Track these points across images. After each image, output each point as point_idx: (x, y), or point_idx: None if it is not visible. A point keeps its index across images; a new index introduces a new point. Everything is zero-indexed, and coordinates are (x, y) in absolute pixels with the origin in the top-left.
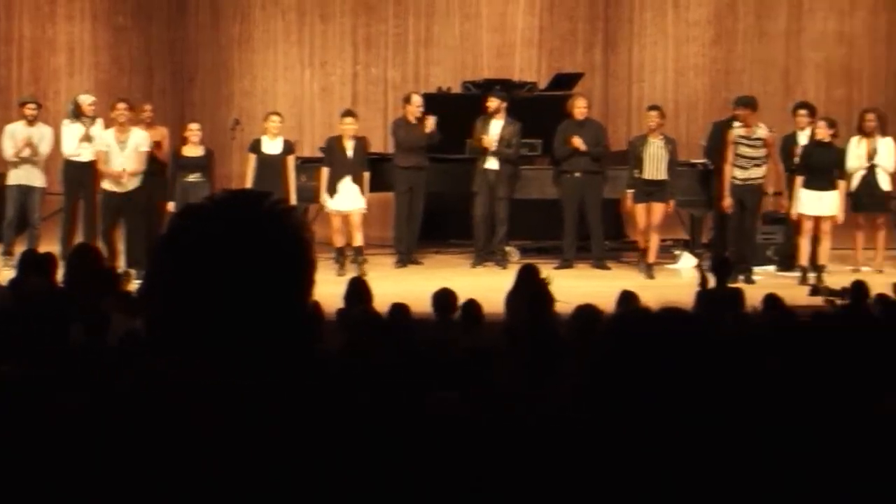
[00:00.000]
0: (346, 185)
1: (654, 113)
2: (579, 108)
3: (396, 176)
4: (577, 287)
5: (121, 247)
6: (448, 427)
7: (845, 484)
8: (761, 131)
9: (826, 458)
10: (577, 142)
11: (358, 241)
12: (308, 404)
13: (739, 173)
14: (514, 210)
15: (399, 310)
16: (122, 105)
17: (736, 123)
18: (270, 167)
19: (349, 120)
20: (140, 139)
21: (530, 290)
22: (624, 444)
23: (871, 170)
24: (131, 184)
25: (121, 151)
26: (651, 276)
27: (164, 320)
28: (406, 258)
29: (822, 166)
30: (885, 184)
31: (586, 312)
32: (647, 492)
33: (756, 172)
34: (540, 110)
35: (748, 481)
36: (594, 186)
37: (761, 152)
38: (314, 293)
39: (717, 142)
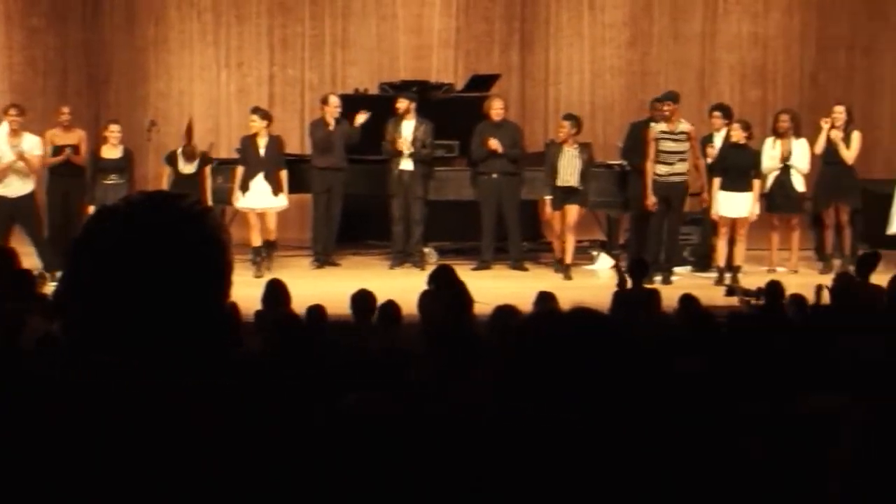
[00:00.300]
0: (259, 183)
1: (566, 123)
2: (496, 109)
3: (314, 177)
4: (495, 288)
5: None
6: (365, 427)
7: (758, 481)
8: (684, 125)
9: (738, 456)
10: (494, 143)
11: (271, 236)
12: (226, 405)
13: (664, 169)
14: (431, 211)
15: (316, 312)
16: (13, 110)
17: (653, 122)
18: (186, 180)
19: (255, 118)
20: (33, 144)
21: (447, 291)
22: (537, 443)
23: (786, 171)
24: (22, 189)
25: (13, 156)
26: (569, 277)
27: (82, 322)
28: (323, 259)
29: (739, 168)
30: (799, 185)
31: (504, 313)
32: (562, 488)
33: (680, 167)
34: (457, 111)
35: (658, 478)
36: (511, 188)
37: (685, 146)
38: (231, 295)
39: (635, 142)
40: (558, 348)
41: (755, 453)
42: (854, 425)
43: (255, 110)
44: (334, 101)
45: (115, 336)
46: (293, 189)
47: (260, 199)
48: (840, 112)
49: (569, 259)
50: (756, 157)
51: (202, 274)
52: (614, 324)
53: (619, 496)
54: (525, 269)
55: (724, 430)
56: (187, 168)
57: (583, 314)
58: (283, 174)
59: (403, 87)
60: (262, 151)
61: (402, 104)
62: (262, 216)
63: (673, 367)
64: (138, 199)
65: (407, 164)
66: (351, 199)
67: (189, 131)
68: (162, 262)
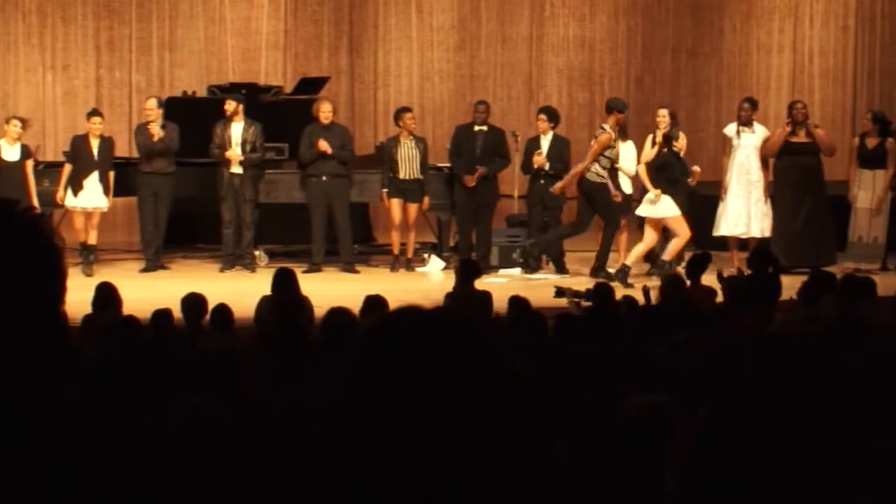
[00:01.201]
0: (92, 182)
1: (409, 115)
2: (324, 112)
3: (140, 180)
4: (326, 290)
5: None
6: (196, 431)
7: (579, 481)
8: None
9: (555, 456)
10: (323, 145)
11: (92, 239)
12: (59, 410)
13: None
14: (262, 214)
15: (162, 316)
16: None
17: (476, 125)
18: (10, 173)
19: (97, 119)
20: None
21: (284, 295)
22: (375, 444)
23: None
24: None
25: None
26: (411, 269)
27: None
28: (153, 263)
29: (680, 176)
30: (626, 187)
31: (337, 316)
32: (398, 489)
33: None
34: (286, 114)
35: (483, 479)
36: (340, 190)
37: None
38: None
39: (458, 145)
40: (417, 347)
41: (574, 453)
42: (686, 425)
43: (95, 112)
44: (149, 104)
45: None
46: (121, 192)
47: (92, 198)
48: (663, 115)
49: (409, 253)
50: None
51: (36, 280)
52: (477, 325)
53: (443, 496)
54: (356, 272)
55: (544, 431)
56: (10, 155)
57: (441, 312)
58: (111, 176)
59: (232, 90)
60: (95, 152)
61: (230, 106)
62: (89, 216)
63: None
64: None
65: (236, 168)
66: (181, 202)
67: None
68: None
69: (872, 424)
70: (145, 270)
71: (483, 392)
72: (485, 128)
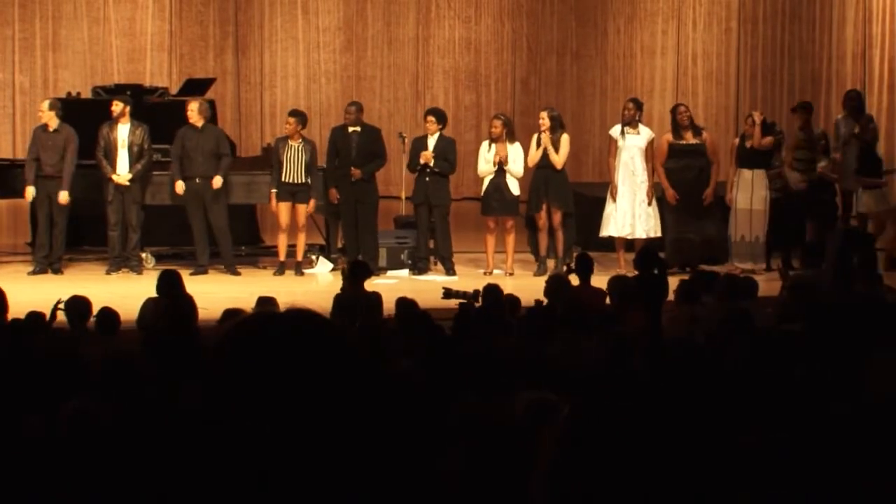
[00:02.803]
0: None
1: (293, 119)
2: (189, 111)
3: (36, 183)
4: (214, 293)
5: None
6: (84, 435)
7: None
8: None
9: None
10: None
11: None
12: None
13: None
14: (148, 216)
15: (36, 318)
16: None
17: (349, 126)
18: None
19: None
20: None
21: (170, 297)
22: (250, 448)
23: (501, 174)
24: None
25: None
26: (301, 273)
27: None
28: (42, 266)
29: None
30: (514, 188)
31: (232, 316)
32: (277, 491)
33: None
34: (171, 116)
35: (366, 482)
36: (214, 192)
37: None
38: None
39: (333, 146)
40: (270, 349)
41: (464, 454)
42: (550, 425)
43: None
44: (42, 106)
45: None
46: (5, 195)
47: None
48: (544, 118)
49: (300, 256)
50: None
51: None
52: (328, 323)
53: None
54: (238, 274)
55: (429, 429)
56: None
57: (296, 314)
58: None
59: (117, 91)
60: None
61: (116, 107)
62: None
63: (385, 369)
64: None
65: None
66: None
67: None
68: None
69: (752, 423)
70: (33, 273)
71: (342, 392)
72: (358, 128)
